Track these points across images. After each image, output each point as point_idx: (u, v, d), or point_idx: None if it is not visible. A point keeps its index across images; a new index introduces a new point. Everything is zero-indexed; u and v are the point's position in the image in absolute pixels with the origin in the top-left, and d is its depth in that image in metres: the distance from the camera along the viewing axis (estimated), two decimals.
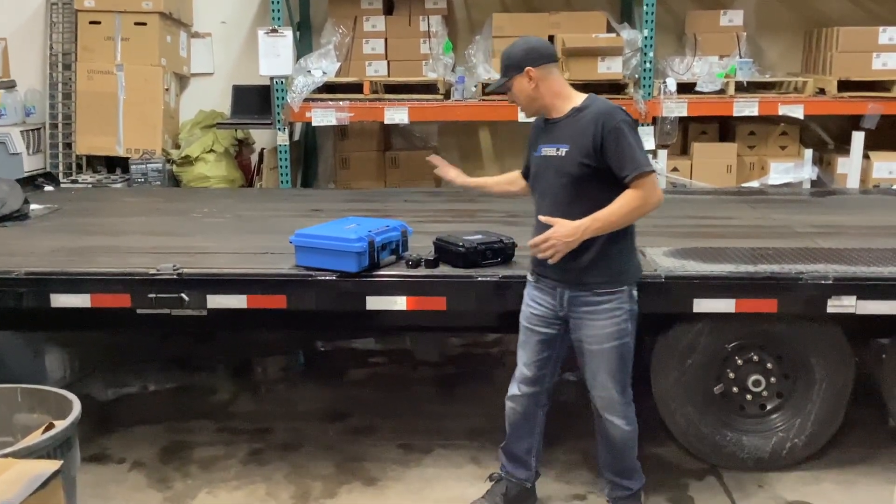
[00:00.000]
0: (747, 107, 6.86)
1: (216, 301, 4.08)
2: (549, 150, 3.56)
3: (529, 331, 3.74)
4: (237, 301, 4.09)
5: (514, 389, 3.85)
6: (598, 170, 3.43)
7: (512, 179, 4.04)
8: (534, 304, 3.71)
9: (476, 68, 7.13)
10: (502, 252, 4.15)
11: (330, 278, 4.02)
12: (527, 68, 3.52)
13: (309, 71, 7.00)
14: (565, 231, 3.41)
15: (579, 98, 3.57)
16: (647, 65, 6.92)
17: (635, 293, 3.62)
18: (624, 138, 3.40)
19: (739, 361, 4.23)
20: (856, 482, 4.24)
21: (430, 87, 7.07)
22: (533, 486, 4.02)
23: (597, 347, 3.58)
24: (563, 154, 3.49)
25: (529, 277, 3.75)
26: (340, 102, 6.94)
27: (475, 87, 7.04)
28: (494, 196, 4.15)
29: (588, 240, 3.44)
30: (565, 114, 3.55)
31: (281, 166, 7.09)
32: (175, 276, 4.07)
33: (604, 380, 3.62)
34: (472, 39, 7.39)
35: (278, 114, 7.00)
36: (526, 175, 3.87)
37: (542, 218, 3.52)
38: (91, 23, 7.57)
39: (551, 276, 3.60)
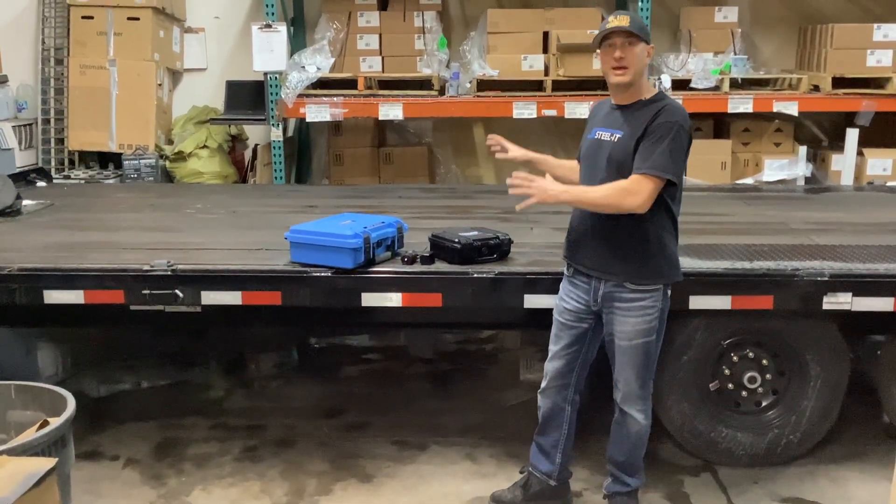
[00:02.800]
0: (742, 104, 6.87)
1: (210, 297, 4.07)
2: (603, 134, 3.54)
3: (561, 324, 3.74)
4: (231, 297, 4.07)
5: (543, 382, 3.86)
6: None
7: (574, 167, 3.82)
8: (567, 298, 3.70)
9: (471, 64, 7.11)
10: (498, 248, 4.14)
11: (325, 274, 4.01)
12: (652, 45, 3.53)
13: (303, 66, 6.98)
14: (547, 184, 3.45)
15: (650, 91, 3.55)
16: None
17: (669, 292, 3.59)
18: (665, 139, 3.39)
19: (735, 358, 4.24)
20: (851, 478, 4.25)
21: (424, 83, 7.06)
22: (558, 485, 3.97)
23: (625, 343, 3.58)
24: (616, 140, 3.48)
25: (566, 271, 3.74)
26: (334, 98, 6.92)
27: (469, 83, 7.03)
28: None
29: (621, 235, 3.46)
30: (632, 102, 3.52)
31: (275, 162, 7.08)
32: (169, 273, 4.05)
33: (628, 374, 3.62)
34: (467, 35, 7.38)
35: (272, 109, 6.98)
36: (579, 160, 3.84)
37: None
38: (83, 17, 7.53)
39: (586, 266, 3.59)
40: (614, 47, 3.43)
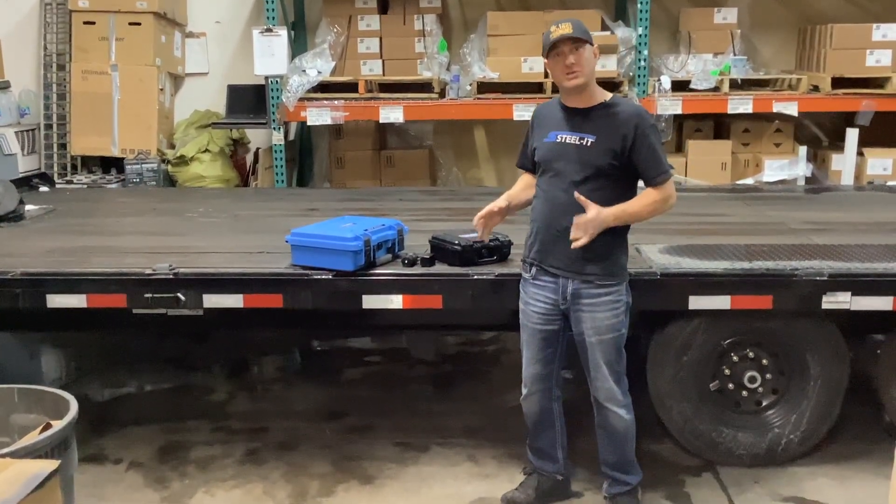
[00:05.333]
0: (742, 104, 6.88)
1: (212, 300, 4.09)
2: (569, 138, 3.58)
3: (532, 329, 3.76)
4: (233, 300, 4.09)
5: (525, 390, 3.88)
6: (619, 167, 3.53)
7: (528, 184, 3.86)
8: (533, 301, 3.72)
9: (471, 67, 7.13)
10: (498, 250, 4.15)
11: (326, 277, 4.03)
12: (596, 45, 3.60)
13: (304, 70, 7.00)
14: (602, 218, 3.46)
15: (605, 94, 3.64)
16: (642, 63, 6.94)
17: (628, 286, 3.70)
18: (654, 141, 3.56)
19: (735, 358, 4.25)
20: (851, 478, 4.25)
21: (424, 86, 7.08)
22: (566, 478, 4.05)
23: (597, 339, 3.62)
24: (589, 144, 3.53)
25: (525, 274, 3.76)
26: (335, 102, 6.94)
27: (470, 85, 7.05)
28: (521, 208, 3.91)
29: (600, 235, 3.52)
30: (593, 105, 3.59)
31: (276, 166, 7.10)
32: (171, 276, 4.07)
33: (603, 371, 3.66)
34: (467, 38, 7.40)
35: (273, 113, 7.00)
36: (525, 167, 3.86)
37: (579, 197, 3.46)
38: (85, 23, 7.56)
39: (556, 267, 3.62)
40: (563, 55, 3.51)
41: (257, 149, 7.82)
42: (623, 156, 3.51)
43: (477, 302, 4.07)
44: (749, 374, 4.25)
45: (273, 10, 6.97)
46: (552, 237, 3.60)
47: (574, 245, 3.48)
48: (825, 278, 3.96)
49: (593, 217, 3.45)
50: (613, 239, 3.59)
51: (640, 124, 3.52)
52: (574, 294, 3.61)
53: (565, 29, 3.49)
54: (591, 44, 3.55)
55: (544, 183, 3.66)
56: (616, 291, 3.62)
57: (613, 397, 3.70)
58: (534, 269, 3.70)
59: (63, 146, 7.82)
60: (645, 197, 3.57)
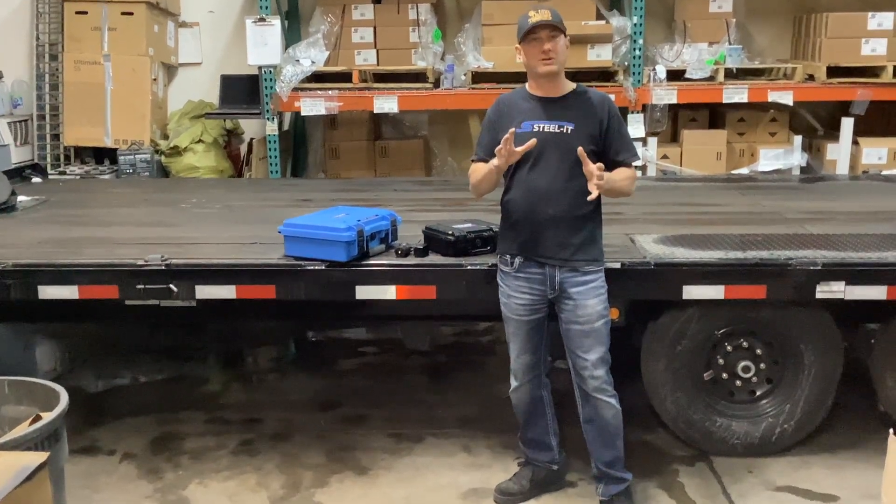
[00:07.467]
0: (737, 94, 6.86)
1: (205, 291, 4.07)
2: (547, 126, 3.58)
3: (518, 321, 3.75)
4: (226, 291, 4.08)
5: (515, 382, 3.87)
6: (597, 152, 3.57)
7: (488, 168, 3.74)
8: (517, 293, 3.71)
9: (465, 56, 7.10)
10: (492, 240, 4.13)
11: (319, 268, 4.02)
12: (568, 37, 3.65)
13: (297, 60, 6.97)
14: (603, 176, 3.45)
15: (571, 83, 3.69)
16: (637, 52, 6.91)
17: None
18: (624, 125, 3.70)
19: (729, 348, 4.25)
20: (845, 467, 4.26)
21: (419, 76, 7.05)
22: (561, 468, 4.05)
23: (588, 327, 3.62)
24: (569, 132, 3.55)
25: (506, 268, 3.72)
26: (329, 92, 6.91)
27: (464, 75, 7.02)
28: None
29: (582, 220, 3.59)
30: (565, 94, 3.63)
31: (270, 156, 7.08)
32: (163, 267, 4.05)
33: (596, 360, 3.66)
34: (462, 27, 7.36)
35: (267, 103, 6.97)
36: (486, 160, 3.68)
37: (581, 153, 3.41)
38: (77, 13, 7.52)
39: (545, 256, 3.61)
40: (541, 41, 3.54)
41: (251, 139, 7.78)
42: (601, 140, 3.57)
43: (471, 292, 4.06)
44: (743, 363, 4.25)
45: None
46: (538, 226, 3.60)
47: (591, 197, 3.45)
48: (819, 268, 3.96)
49: (602, 170, 3.45)
50: (596, 224, 3.67)
51: (611, 108, 3.63)
52: (562, 282, 3.61)
53: (544, 15, 3.53)
54: (566, 35, 3.60)
55: (523, 174, 3.63)
56: (601, 277, 3.66)
57: (602, 387, 3.69)
58: (517, 262, 3.68)
59: (56, 137, 7.78)
60: (621, 172, 3.61)
